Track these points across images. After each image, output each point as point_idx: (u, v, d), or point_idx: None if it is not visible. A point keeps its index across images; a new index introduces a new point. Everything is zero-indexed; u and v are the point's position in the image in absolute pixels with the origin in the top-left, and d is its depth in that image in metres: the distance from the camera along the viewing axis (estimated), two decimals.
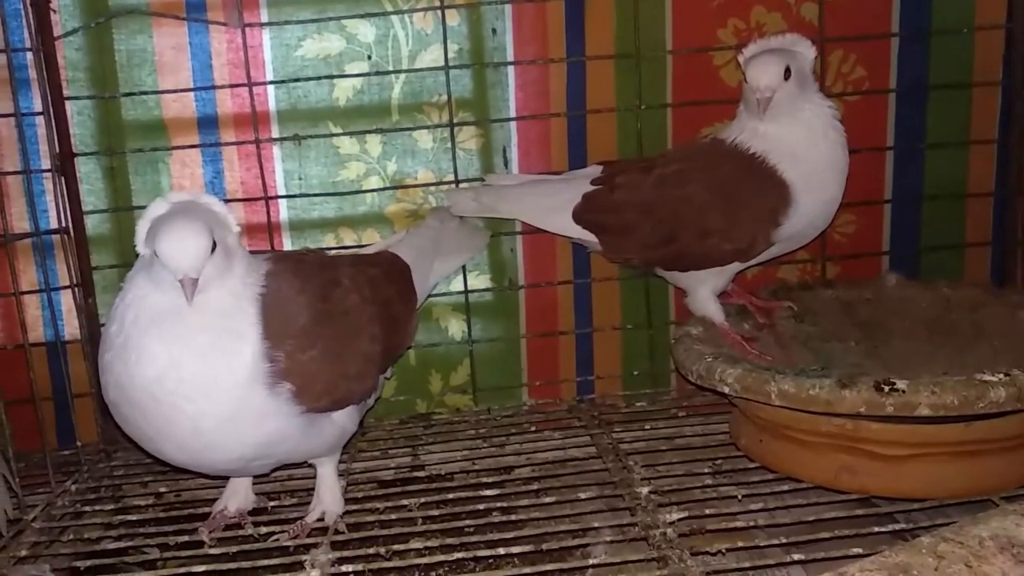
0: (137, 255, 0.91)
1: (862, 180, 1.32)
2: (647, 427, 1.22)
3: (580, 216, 1.18)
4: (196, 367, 0.85)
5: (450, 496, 1.05)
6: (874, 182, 1.33)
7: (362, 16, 1.23)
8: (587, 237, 1.20)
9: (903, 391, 0.87)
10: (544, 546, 0.91)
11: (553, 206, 1.20)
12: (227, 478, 1.05)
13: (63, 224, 1.19)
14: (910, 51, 1.30)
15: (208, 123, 1.24)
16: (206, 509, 1.05)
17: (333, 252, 1.24)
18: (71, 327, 1.24)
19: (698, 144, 1.25)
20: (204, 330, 0.86)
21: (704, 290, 1.18)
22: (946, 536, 0.67)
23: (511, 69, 1.26)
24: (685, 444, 1.16)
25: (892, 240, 1.35)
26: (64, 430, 1.25)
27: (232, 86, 1.23)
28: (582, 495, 1.02)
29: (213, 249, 0.85)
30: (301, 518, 1.00)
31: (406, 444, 1.24)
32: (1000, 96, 1.32)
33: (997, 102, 1.33)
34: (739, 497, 0.99)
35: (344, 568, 0.90)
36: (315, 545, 0.93)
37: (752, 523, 0.94)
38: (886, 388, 0.88)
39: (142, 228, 0.89)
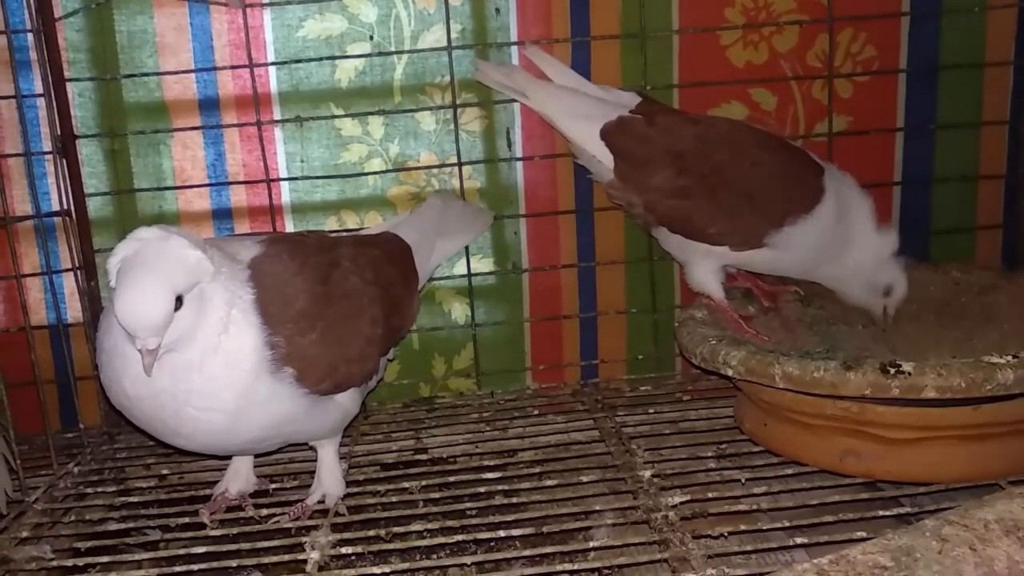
0: None
1: (871, 161, 1.30)
2: (651, 411, 1.21)
3: (608, 134, 1.15)
4: (197, 375, 0.84)
5: (452, 479, 1.05)
6: (883, 164, 1.32)
7: None
8: (604, 157, 1.16)
9: (909, 373, 0.86)
10: (545, 529, 0.90)
11: (584, 114, 1.17)
12: (230, 458, 1.05)
13: (65, 206, 1.18)
14: (921, 30, 1.28)
15: (209, 105, 1.23)
16: (208, 491, 1.05)
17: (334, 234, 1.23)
18: (73, 310, 1.23)
19: (761, 126, 1.24)
20: (196, 341, 0.83)
21: (703, 265, 1.17)
22: (950, 519, 0.65)
23: (515, 49, 1.25)
24: (689, 428, 1.15)
25: (901, 222, 1.33)
26: (67, 413, 1.25)
27: (233, 67, 1.22)
28: (584, 478, 1.02)
29: (180, 305, 0.79)
30: (302, 500, 1.00)
31: (409, 427, 1.24)
32: (1012, 76, 1.30)
33: (1009, 82, 1.30)
34: (743, 481, 0.98)
35: (344, 550, 0.89)
36: (315, 527, 0.93)
37: (755, 507, 0.93)
38: (892, 370, 0.86)
39: (112, 267, 0.82)
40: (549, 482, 1.03)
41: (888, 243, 1.14)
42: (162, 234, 0.82)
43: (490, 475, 1.04)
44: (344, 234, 1.22)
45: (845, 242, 1.13)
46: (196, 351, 0.83)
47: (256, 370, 0.86)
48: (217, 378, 0.84)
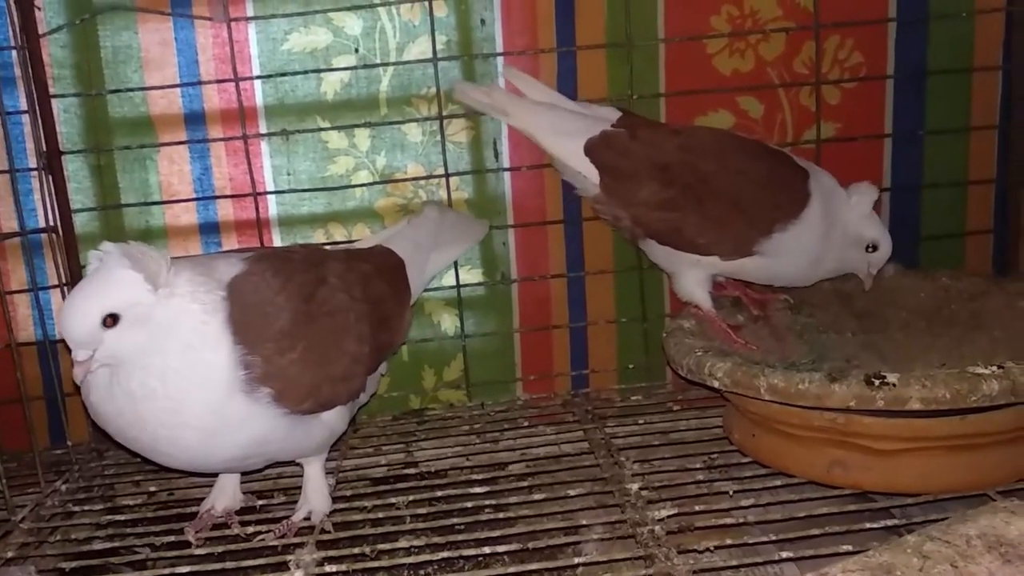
0: None
1: (860, 168, 1.30)
2: (641, 421, 1.20)
3: (592, 150, 1.15)
4: (167, 391, 0.84)
5: (440, 494, 1.04)
6: (872, 170, 1.31)
7: (348, 8, 1.21)
8: (589, 173, 1.16)
9: (894, 385, 0.85)
10: (533, 544, 0.90)
11: (566, 131, 1.17)
12: (217, 474, 1.04)
13: (51, 223, 1.18)
14: (908, 36, 1.28)
15: (195, 119, 1.23)
16: (197, 508, 1.04)
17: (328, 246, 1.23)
18: None
19: (745, 135, 1.24)
20: (155, 361, 0.84)
21: (691, 275, 1.16)
22: (932, 535, 0.65)
23: (500, 60, 1.24)
24: (679, 439, 1.15)
25: (891, 229, 1.29)
26: (55, 429, 1.24)
27: (219, 81, 1.22)
28: (573, 492, 1.01)
29: (116, 322, 0.82)
30: (288, 517, 0.99)
31: (399, 440, 1.23)
32: (1001, 81, 1.30)
33: (998, 87, 1.30)
34: (730, 493, 0.98)
35: (329, 568, 0.89)
36: (300, 545, 0.93)
37: (743, 520, 0.92)
38: (876, 382, 0.86)
39: None
40: (538, 496, 1.02)
41: (866, 196, 1.15)
42: (113, 251, 0.84)
43: (479, 489, 1.04)
44: (339, 247, 1.20)
45: (833, 231, 1.14)
46: (156, 371, 0.84)
47: (228, 389, 0.85)
48: (180, 398, 0.84)
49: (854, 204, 1.15)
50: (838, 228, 1.14)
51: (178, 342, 0.84)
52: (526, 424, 1.25)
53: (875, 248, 1.16)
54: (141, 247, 0.85)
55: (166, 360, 0.84)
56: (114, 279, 0.83)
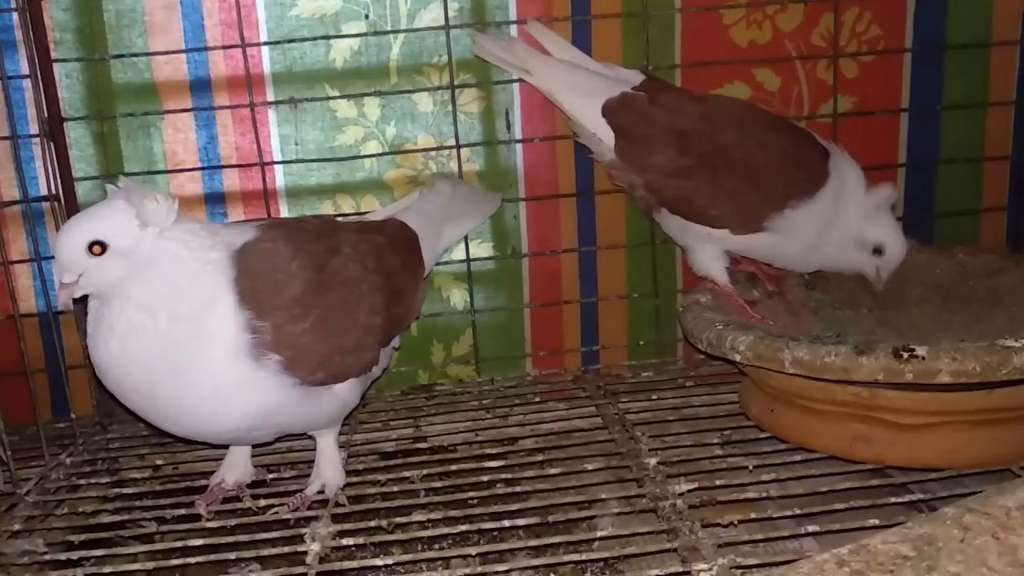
0: None
1: (876, 143, 1.29)
2: (653, 397, 1.19)
3: (610, 111, 1.13)
4: (167, 345, 0.83)
5: (453, 468, 1.03)
6: (888, 145, 1.30)
7: None
8: (604, 135, 1.14)
9: (923, 358, 0.84)
10: (550, 518, 0.89)
11: (585, 90, 1.15)
12: (227, 447, 1.03)
13: (53, 191, 1.15)
14: (927, 9, 1.26)
15: (201, 86, 1.20)
16: (204, 482, 1.03)
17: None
18: None
19: (765, 108, 1.22)
20: (145, 284, 0.84)
21: (706, 250, 1.15)
22: (971, 507, 0.64)
23: (514, 28, 1.22)
24: (692, 414, 1.14)
25: (906, 204, 1.31)
26: (58, 402, 1.22)
27: (225, 47, 1.19)
28: (588, 466, 1.00)
29: (104, 251, 0.82)
30: (301, 490, 0.98)
31: (408, 415, 1.22)
32: (1019, 56, 1.28)
33: (1015, 62, 1.28)
34: (750, 468, 0.97)
35: (345, 541, 0.87)
36: (315, 518, 0.91)
37: (764, 494, 0.91)
38: (905, 355, 0.85)
39: None
40: (552, 470, 1.01)
41: (875, 197, 1.11)
42: (121, 186, 0.87)
43: (492, 463, 1.02)
44: (351, 219, 1.18)
45: (839, 218, 1.11)
46: (134, 302, 0.83)
47: (233, 353, 0.84)
48: (183, 356, 0.83)
49: (865, 202, 1.11)
50: (842, 221, 1.11)
51: (162, 281, 0.84)
52: (536, 400, 1.24)
53: (882, 251, 1.12)
54: (148, 188, 0.86)
55: (145, 291, 0.83)
56: (107, 210, 0.85)
